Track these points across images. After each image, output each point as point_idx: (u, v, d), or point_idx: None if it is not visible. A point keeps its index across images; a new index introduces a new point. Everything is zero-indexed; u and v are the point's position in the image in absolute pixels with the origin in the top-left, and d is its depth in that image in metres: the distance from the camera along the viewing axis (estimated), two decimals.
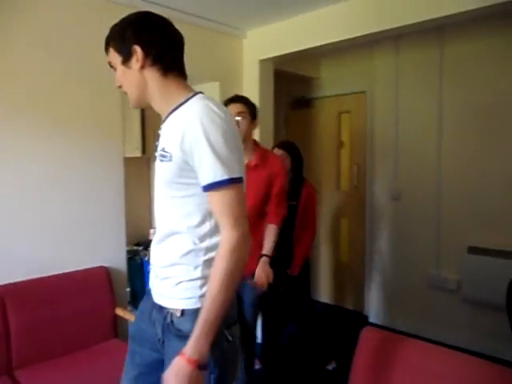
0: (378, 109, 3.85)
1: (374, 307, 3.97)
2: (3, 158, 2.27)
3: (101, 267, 2.60)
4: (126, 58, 1.17)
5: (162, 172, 1.16)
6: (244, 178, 1.15)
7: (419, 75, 3.55)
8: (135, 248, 3.91)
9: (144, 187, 4.41)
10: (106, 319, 2.52)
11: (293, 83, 4.40)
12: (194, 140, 1.06)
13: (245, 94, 3.37)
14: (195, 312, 1.11)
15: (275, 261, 2.49)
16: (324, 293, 4.41)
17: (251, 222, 2.06)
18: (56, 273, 2.42)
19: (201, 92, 1.20)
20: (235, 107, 2.18)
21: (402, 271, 3.72)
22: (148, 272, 1.45)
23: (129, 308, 3.00)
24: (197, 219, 1.15)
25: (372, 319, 3.94)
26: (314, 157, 4.31)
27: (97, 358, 2.28)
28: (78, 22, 2.51)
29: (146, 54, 1.16)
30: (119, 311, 2.56)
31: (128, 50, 1.16)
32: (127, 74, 1.19)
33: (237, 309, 1.26)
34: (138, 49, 1.15)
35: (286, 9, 2.97)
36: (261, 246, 2.20)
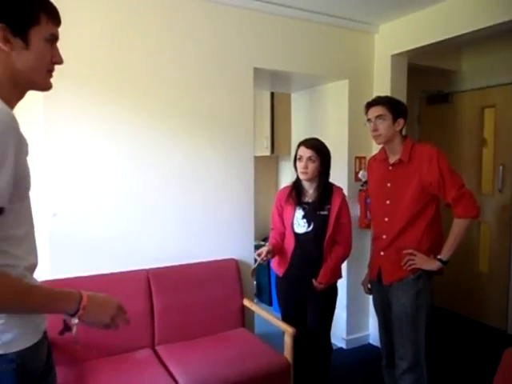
0: None
1: None
2: (150, 159, 2.56)
3: (231, 259, 2.77)
4: None
5: None
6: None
7: None
8: (262, 243, 4.08)
9: (272, 185, 4.58)
10: (235, 309, 2.67)
11: (428, 77, 4.12)
12: None
13: (375, 91, 3.29)
14: None
15: (301, 274, 2.39)
16: (457, 304, 4.04)
17: (406, 221, 2.09)
18: (192, 261, 2.66)
19: None
20: (373, 111, 2.16)
21: None
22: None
23: (255, 300, 3.14)
24: None
25: None
26: (452, 157, 3.94)
27: (225, 345, 2.43)
28: (214, 25, 2.70)
29: None
30: (246, 302, 2.70)
31: None
32: None
33: None
34: None
35: None
36: (418, 248, 2.10)
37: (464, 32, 2.74)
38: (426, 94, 4.29)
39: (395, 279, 2.16)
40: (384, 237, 2.20)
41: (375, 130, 2.15)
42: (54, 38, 1.00)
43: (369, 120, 2.19)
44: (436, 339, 3.41)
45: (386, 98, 2.26)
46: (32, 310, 0.94)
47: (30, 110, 1.47)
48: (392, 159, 2.19)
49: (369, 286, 2.41)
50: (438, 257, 2.06)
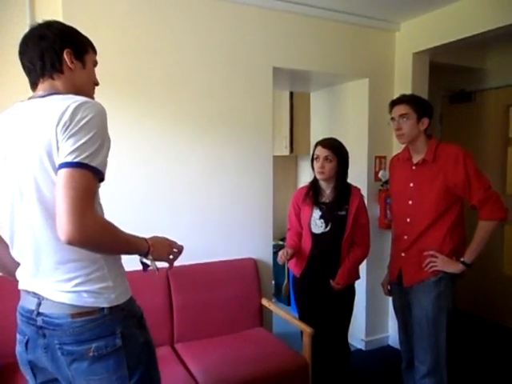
0: None
1: None
2: (170, 159, 2.58)
3: (250, 259, 2.78)
4: None
5: None
6: None
7: None
8: (281, 243, 4.07)
9: (290, 185, 4.56)
10: (253, 308, 2.67)
11: (450, 76, 4.04)
12: None
13: (396, 90, 3.25)
14: None
15: (319, 275, 2.37)
16: (480, 306, 3.95)
17: (429, 222, 2.06)
18: (211, 260, 2.67)
19: None
20: (397, 109, 2.12)
21: None
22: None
23: (273, 300, 3.14)
24: None
25: None
26: (475, 157, 3.84)
27: (243, 344, 2.43)
28: (233, 25, 2.71)
29: None
30: (265, 301, 2.70)
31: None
32: None
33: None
34: None
35: None
36: (440, 250, 2.06)
37: (488, 29, 2.68)
38: (448, 92, 4.20)
39: (416, 281, 2.12)
40: (405, 237, 2.17)
41: (399, 128, 2.11)
42: (96, 64, 1.34)
43: (392, 119, 2.15)
44: (459, 342, 3.34)
45: (411, 96, 2.21)
46: (120, 251, 1.22)
47: None
48: (416, 159, 2.14)
49: (388, 287, 2.38)
50: (462, 259, 2.02)
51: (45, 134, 1.08)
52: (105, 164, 1.12)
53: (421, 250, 2.09)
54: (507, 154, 3.80)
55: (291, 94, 4.15)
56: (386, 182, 3.08)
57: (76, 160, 1.04)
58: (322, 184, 2.39)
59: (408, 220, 2.15)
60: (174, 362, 2.21)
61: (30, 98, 1.21)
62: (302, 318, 2.44)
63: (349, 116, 3.43)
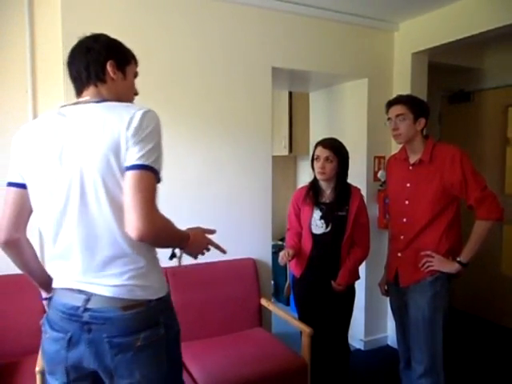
0: None
1: None
2: (168, 159, 2.58)
3: (249, 259, 2.78)
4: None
5: None
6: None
7: None
8: (280, 243, 4.08)
9: (290, 185, 4.57)
10: (252, 308, 2.68)
11: (449, 76, 4.04)
12: None
13: (395, 90, 3.25)
14: None
15: (319, 276, 2.37)
16: (478, 306, 3.96)
17: (425, 222, 2.05)
18: (210, 260, 2.67)
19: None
20: (394, 110, 2.12)
21: None
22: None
23: (272, 300, 3.14)
24: None
25: None
26: (474, 156, 3.86)
27: (242, 344, 2.44)
28: (232, 25, 2.71)
29: None
30: (264, 301, 2.70)
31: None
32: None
33: None
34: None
35: None
36: (436, 250, 2.06)
37: (487, 29, 2.68)
38: (447, 92, 4.21)
39: (412, 281, 2.12)
40: (402, 237, 2.17)
41: (395, 129, 2.11)
42: (136, 75, 1.43)
43: (389, 119, 2.15)
44: (457, 342, 3.35)
45: (408, 96, 2.22)
46: (173, 244, 1.35)
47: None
48: (412, 159, 2.14)
49: (385, 287, 2.38)
50: (458, 259, 2.02)
51: (113, 137, 1.17)
52: (161, 168, 1.26)
53: (417, 250, 2.09)
54: (506, 153, 3.81)
55: (290, 94, 4.15)
56: (385, 182, 3.09)
57: (146, 163, 1.16)
58: (322, 184, 2.39)
59: (404, 220, 2.15)
60: None
61: (76, 103, 1.29)
62: (301, 319, 2.44)
63: (348, 116, 3.44)
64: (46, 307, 1.43)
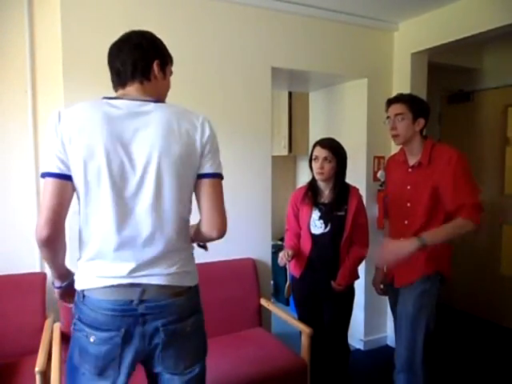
0: None
1: None
2: None
3: (249, 259, 2.78)
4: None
5: None
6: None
7: None
8: (279, 243, 4.08)
9: (289, 185, 4.56)
10: (252, 308, 2.68)
11: (448, 76, 4.05)
12: None
13: (395, 90, 3.25)
14: None
15: (318, 276, 2.37)
16: (477, 306, 3.96)
17: (420, 225, 2.01)
18: (209, 260, 2.67)
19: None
20: (393, 108, 2.09)
21: None
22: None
23: (272, 300, 3.14)
24: None
25: None
26: (473, 156, 3.88)
27: (242, 344, 2.44)
28: (231, 25, 2.71)
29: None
30: (263, 302, 2.71)
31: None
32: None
33: None
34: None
35: None
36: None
37: (486, 29, 2.69)
38: (446, 92, 4.22)
39: (405, 282, 2.09)
40: (402, 240, 2.09)
41: (393, 128, 2.07)
42: (171, 74, 1.48)
43: (388, 118, 2.12)
44: (457, 342, 3.36)
45: (409, 96, 2.17)
46: None
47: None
48: (411, 161, 2.10)
49: (381, 286, 2.37)
50: (421, 236, 1.86)
51: (189, 141, 1.29)
52: None
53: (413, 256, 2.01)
54: (505, 153, 3.81)
55: (290, 94, 4.15)
56: (385, 182, 3.09)
57: (219, 172, 1.36)
58: (321, 184, 2.39)
59: (406, 222, 2.12)
60: None
61: (126, 98, 1.30)
62: (301, 319, 2.44)
63: (347, 116, 3.44)
64: (56, 294, 1.43)
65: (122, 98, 1.29)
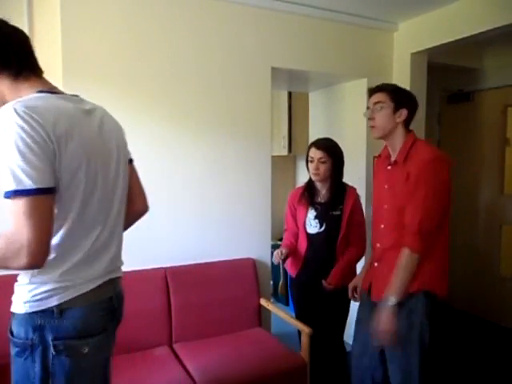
0: None
1: None
2: (168, 159, 2.58)
3: (249, 259, 2.78)
4: None
5: None
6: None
7: None
8: (279, 243, 4.07)
9: (289, 185, 4.56)
10: (252, 308, 2.67)
11: (448, 76, 4.05)
12: None
13: None
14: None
15: (314, 276, 2.37)
16: (477, 306, 3.96)
17: (399, 232, 1.77)
18: (209, 260, 2.67)
19: (49, 90, 1.19)
20: (374, 98, 1.84)
21: None
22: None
23: (271, 300, 3.14)
24: None
25: None
26: (473, 157, 3.90)
27: (242, 344, 2.44)
28: (231, 25, 2.71)
29: None
30: (263, 301, 2.70)
31: None
32: None
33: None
34: None
35: None
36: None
37: (486, 29, 2.69)
38: (446, 92, 4.21)
39: (384, 296, 1.72)
40: (378, 245, 1.87)
41: (371, 118, 1.82)
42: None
43: (368, 108, 1.87)
44: (457, 342, 3.36)
45: (392, 85, 1.92)
46: None
47: None
48: (393, 157, 1.84)
49: (356, 291, 2.12)
50: (386, 297, 1.68)
51: (123, 135, 1.36)
52: None
53: (390, 264, 1.73)
54: (505, 153, 3.81)
55: (289, 94, 4.15)
56: None
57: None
58: (318, 184, 2.39)
59: (382, 226, 1.85)
60: (173, 362, 2.21)
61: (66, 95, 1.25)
62: (298, 318, 2.44)
63: (347, 116, 3.44)
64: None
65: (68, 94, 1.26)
